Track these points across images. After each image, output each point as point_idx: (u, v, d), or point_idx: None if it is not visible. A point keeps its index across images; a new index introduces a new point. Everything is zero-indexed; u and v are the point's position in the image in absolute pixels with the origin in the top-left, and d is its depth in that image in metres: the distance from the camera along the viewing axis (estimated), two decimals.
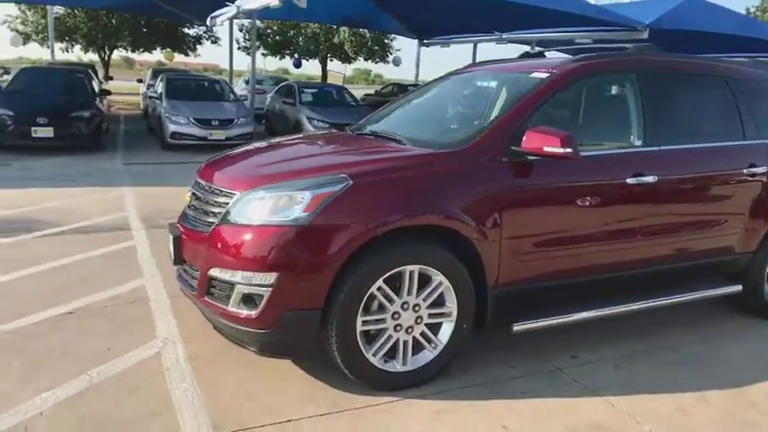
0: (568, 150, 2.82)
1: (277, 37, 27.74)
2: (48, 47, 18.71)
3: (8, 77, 12.42)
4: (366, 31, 25.68)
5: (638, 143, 3.34)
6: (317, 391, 2.81)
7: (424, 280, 2.82)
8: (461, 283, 2.86)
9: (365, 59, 29.04)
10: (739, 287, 3.81)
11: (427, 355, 2.90)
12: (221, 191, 2.90)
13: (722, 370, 3.26)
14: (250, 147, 3.63)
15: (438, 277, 2.81)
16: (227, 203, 2.80)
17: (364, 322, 2.71)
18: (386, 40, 27.27)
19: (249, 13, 14.03)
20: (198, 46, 25.03)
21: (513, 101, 3.16)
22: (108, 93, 11.57)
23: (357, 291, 2.64)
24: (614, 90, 3.58)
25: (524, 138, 2.89)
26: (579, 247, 3.14)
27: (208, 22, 18.83)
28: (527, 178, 2.96)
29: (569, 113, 3.44)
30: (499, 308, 3.03)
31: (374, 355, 2.77)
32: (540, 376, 3.09)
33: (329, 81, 26.86)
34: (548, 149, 2.84)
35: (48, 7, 16.95)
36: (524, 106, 3.05)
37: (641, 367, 3.25)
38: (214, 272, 2.73)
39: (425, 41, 20.20)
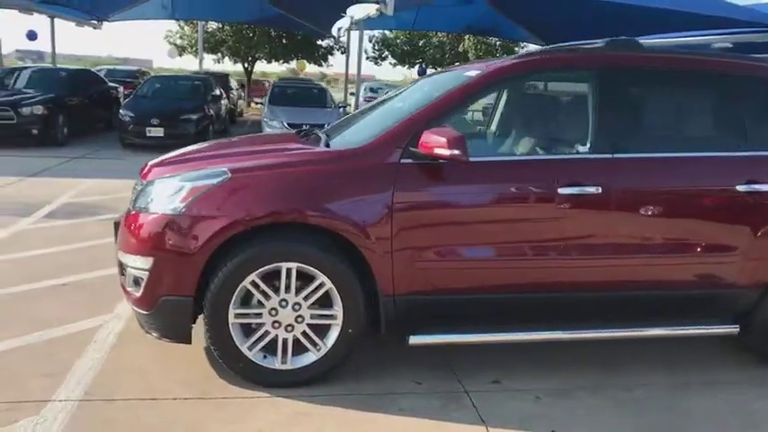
0: (455, 152, 2.60)
1: (405, 47, 28.38)
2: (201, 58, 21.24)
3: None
4: (495, 38, 25.24)
5: (584, 149, 2.94)
6: (199, 378, 2.90)
7: (310, 280, 2.78)
8: (347, 287, 2.77)
9: None
10: (736, 328, 3.16)
11: (310, 356, 2.85)
12: (138, 181, 3.13)
13: (674, 426, 2.74)
14: (198, 144, 3.84)
15: (321, 278, 2.75)
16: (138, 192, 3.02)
17: (239, 315, 2.75)
18: (516, 48, 26.52)
19: (358, 23, 14.61)
20: (330, 56, 26.60)
21: (429, 100, 2.97)
22: (219, 98, 12.79)
23: (228, 283, 2.68)
24: (560, 89, 3.18)
25: (420, 138, 2.72)
26: (496, 260, 2.86)
27: (334, 33, 19.99)
28: (428, 182, 2.78)
29: (500, 115, 3.14)
30: (398, 317, 2.88)
31: (250, 348, 2.79)
32: (440, 396, 2.86)
33: None
34: (437, 151, 2.64)
35: (199, 23, 19.22)
36: (434, 106, 2.87)
37: (569, 405, 2.85)
38: (119, 254, 2.96)
39: None
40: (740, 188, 2.99)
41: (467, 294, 2.90)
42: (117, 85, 14.10)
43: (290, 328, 2.81)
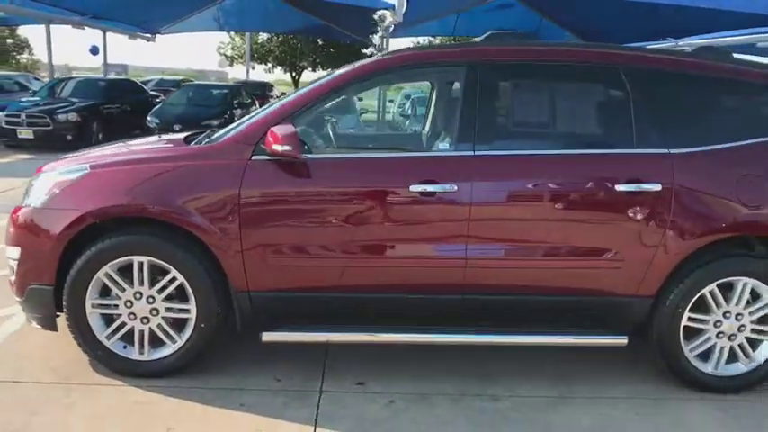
0: (286, 148, 2.61)
1: None
2: (251, 68, 22.09)
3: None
4: None
5: (444, 146, 2.84)
6: (71, 365, 3.01)
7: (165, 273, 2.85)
8: (199, 282, 2.81)
9: None
10: (624, 339, 2.94)
11: (167, 348, 2.91)
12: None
13: None
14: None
15: (173, 272, 2.82)
16: None
17: (97, 305, 2.86)
18: None
19: (387, 30, 14.67)
20: None
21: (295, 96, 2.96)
22: (248, 105, 13.22)
23: (82, 273, 2.80)
24: (426, 86, 3.07)
25: (267, 135, 2.73)
26: (347, 258, 2.81)
27: (375, 41, 20.17)
28: (275, 180, 2.77)
29: (368, 111, 3.07)
30: (256, 314, 2.89)
31: (108, 338, 2.89)
32: (287, 394, 2.85)
33: None
34: (274, 147, 2.65)
35: (246, 34, 20.07)
36: (290, 103, 2.87)
37: (420, 411, 2.75)
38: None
39: None
40: (620, 188, 2.78)
41: (322, 292, 2.88)
42: (158, 94, 14.91)
43: (145, 320, 2.89)
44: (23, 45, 26.65)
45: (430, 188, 2.73)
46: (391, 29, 15.30)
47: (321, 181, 2.78)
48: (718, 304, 2.94)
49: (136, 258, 2.81)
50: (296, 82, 27.77)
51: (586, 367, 3.21)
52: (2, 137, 10.55)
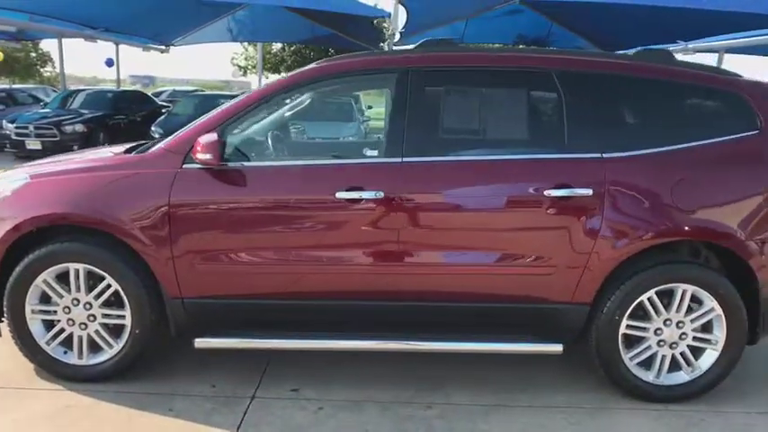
0: (207, 157, 2.65)
1: None
2: (265, 77, 22.37)
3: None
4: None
5: (372, 153, 2.85)
6: (16, 369, 3.08)
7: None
8: (132, 289, 2.87)
9: None
10: (558, 347, 2.89)
11: (104, 354, 2.97)
12: None
13: None
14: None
15: (108, 279, 2.88)
16: None
17: (37, 311, 2.93)
18: None
19: (391, 38, 14.71)
20: None
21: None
22: None
23: (21, 280, 2.87)
24: (355, 95, 3.08)
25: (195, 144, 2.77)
26: (276, 266, 2.83)
27: (385, 49, 20.26)
28: (203, 188, 2.80)
29: (301, 120, 3.09)
30: (191, 320, 2.93)
31: (48, 343, 2.96)
32: (218, 401, 2.87)
33: None
34: (198, 156, 2.70)
35: (258, 44, 20.37)
36: (221, 113, 2.90)
37: (345, 418, 2.75)
38: None
39: None
40: (550, 193, 2.75)
41: (253, 299, 2.90)
42: (168, 104, 15.21)
43: (83, 326, 2.95)
44: (46, 58, 27.59)
45: (356, 195, 2.74)
46: (396, 37, 15.38)
47: (248, 189, 2.81)
48: (657, 312, 2.88)
49: (72, 266, 2.87)
50: None
51: (534, 374, 3.18)
52: (12, 148, 10.88)
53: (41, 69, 28.49)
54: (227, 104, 2.97)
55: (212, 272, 2.86)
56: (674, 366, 2.95)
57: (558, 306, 2.87)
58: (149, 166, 2.88)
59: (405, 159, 2.79)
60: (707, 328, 2.92)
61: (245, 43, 23.79)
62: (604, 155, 2.80)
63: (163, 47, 18.59)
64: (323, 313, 2.93)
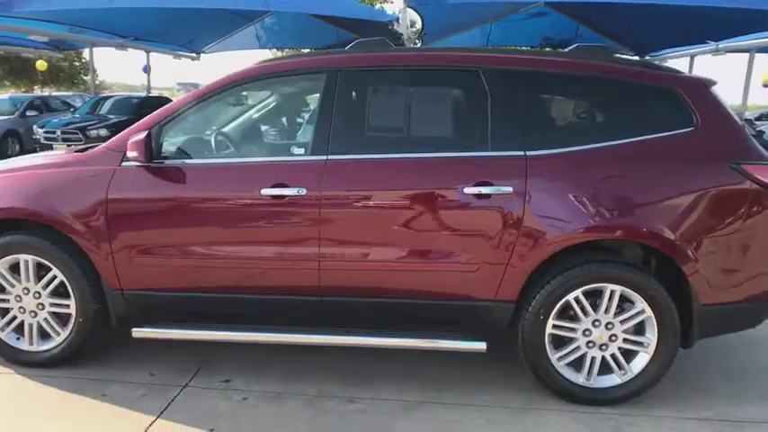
0: (134, 154, 2.77)
1: None
2: None
3: None
4: None
5: (300, 151, 2.92)
6: None
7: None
8: (75, 280, 3.03)
9: None
10: (482, 345, 2.89)
11: (52, 341, 3.14)
12: None
13: None
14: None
15: (54, 270, 3.05)
16: None
17: None
18: None
19: (409, 41, 14.74)
20: None
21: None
22: None
23: None
24: (283, 96, 3.15)
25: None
26: (209, 260, 2.94)
27: None
28: (137, 185, 2.94)
29: (237, 120, 3.19)
30: (132, 311, 3.07)
31: (2, 329, 3.15)
32: (150, 387, 3.00)
33: None
34: (128, 154, 2.83)
35: (285, 50, 20.81)
36: (159, 113, 3.03)
37: (266, 409, 2.82)
38: None
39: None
40: (471, 190, 2.76)
41: (187, 292, 3.01)
42: None
43: (33, 314, 3.13)
44: (88, 68, 28.73)
45: (279, 191, 2.82)
46: (417, 42, 15.42)
47: (180, 186, 2.92)
48: (585, 312, 2.84)
49: (21, 257, 3.06)
50: None
51: (470, 372, 3.18)
52: (41, 151, 11.46)
53: (84, 78, 29.78)
54: (169, 104, 3.10)
55: (148, 266, 2.98)
56: (607, 369, 2.91)
57: (483, 303, 2.87)
58: (90, 164, 3.03)
59: (329, 158, 2.86)
60: (640, 330, 2.87)
61: (274, 49, 24.38)
62: (528, 153, 2.79)
63: (193, 54, 19.23)
64: (251, 307, 3.02)
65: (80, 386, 2.98)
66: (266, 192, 2.82)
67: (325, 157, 2.86)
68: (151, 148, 2.87)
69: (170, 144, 3.02)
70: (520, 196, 2.75)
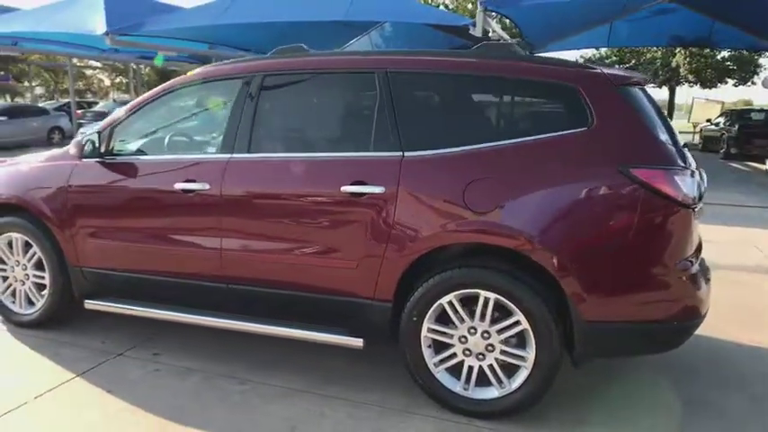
0: (74, 151, 3.25)
1: (617, 66, 25.84)
2: None
3: None
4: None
5: (212, 150, 3.20)
6: None
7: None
8: (47, 255, 3.62)
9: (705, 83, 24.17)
10: (359, 342, 2.93)
11: (34, 307, 3.76)
12: None
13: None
14: None
15: (35, 247, 3.67)
16: None
17: None
18: (756, 57, 21.45)
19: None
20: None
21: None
22: None
23: None
24: (213, 99, 3.40)
25: None
26: (138, 245, 3.34)
27: None
28: (88, 178, 3.45)
29: (171, 123, 3.54)
30: (91, 287, 3.59)
31: (2, 293, 3.85)
32: (92, 352, 3.46)
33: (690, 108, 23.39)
34: (69, 151, 3.33)
35: None
36: (114, 115, 3.51)
37: (168, 380, 3.13)
38: None
39: None
40: (346, 189, 2.83)
41: (125, 273, 3.44)
42: None
43: (22, 283, 3.78)
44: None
45: (188, 186, 3.13)
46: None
47: (118, 179, 3.37)
48: (460, 318, 2.76)
49: (13, 235, 3.73)
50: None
51: (378, 371, 3.22)
52: None
53: None
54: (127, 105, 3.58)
55: (98, 247, 3.48)
56: (488, 380, 2.79)
57: (363, 301, 2.91)
58: (63, 159, 3.61)
59: (233, 156, 3.11)
60: (522, 343, 2.71)
61: None
62: (406, 154, 2.80)
63: None
64: (177, 291, 3.35)
65: (41, 344, 3.56)
66: (179, 186, 3.16)
67: (228, 156, 3.12)
68: (93, 147, 3.37)
69: (119, 143, 3.48)
70: (391, 197, 2.76)
